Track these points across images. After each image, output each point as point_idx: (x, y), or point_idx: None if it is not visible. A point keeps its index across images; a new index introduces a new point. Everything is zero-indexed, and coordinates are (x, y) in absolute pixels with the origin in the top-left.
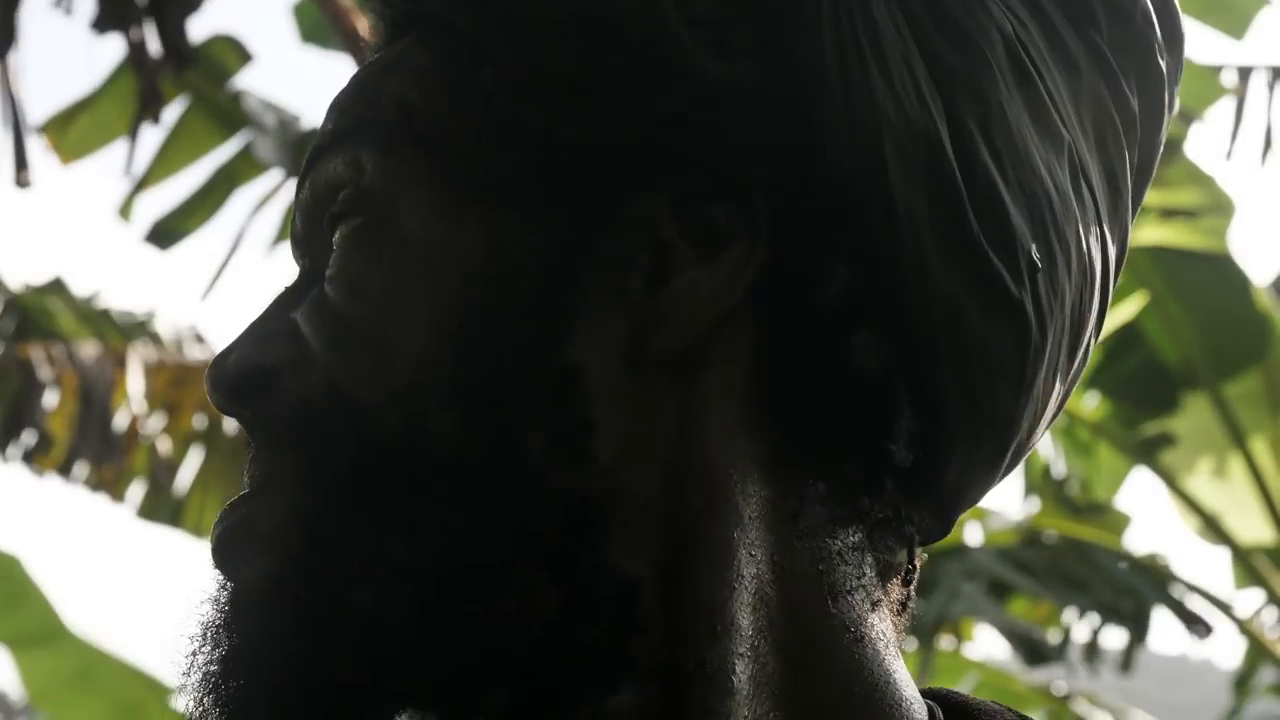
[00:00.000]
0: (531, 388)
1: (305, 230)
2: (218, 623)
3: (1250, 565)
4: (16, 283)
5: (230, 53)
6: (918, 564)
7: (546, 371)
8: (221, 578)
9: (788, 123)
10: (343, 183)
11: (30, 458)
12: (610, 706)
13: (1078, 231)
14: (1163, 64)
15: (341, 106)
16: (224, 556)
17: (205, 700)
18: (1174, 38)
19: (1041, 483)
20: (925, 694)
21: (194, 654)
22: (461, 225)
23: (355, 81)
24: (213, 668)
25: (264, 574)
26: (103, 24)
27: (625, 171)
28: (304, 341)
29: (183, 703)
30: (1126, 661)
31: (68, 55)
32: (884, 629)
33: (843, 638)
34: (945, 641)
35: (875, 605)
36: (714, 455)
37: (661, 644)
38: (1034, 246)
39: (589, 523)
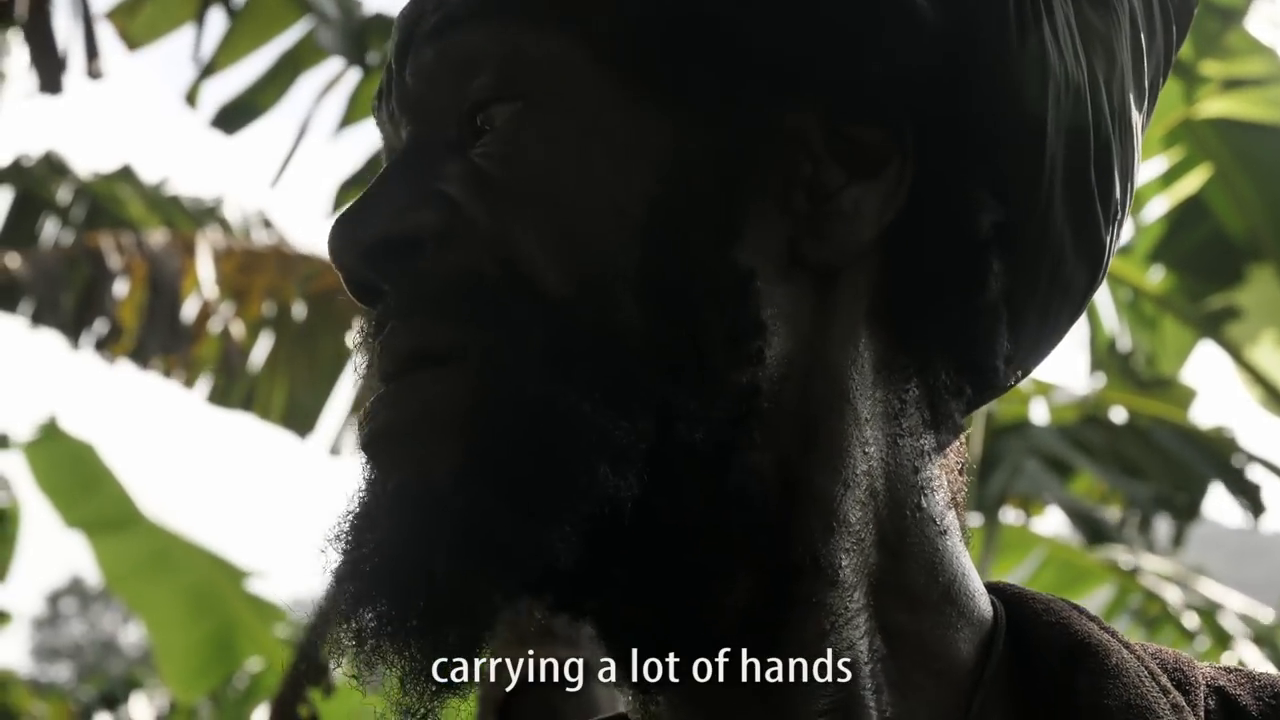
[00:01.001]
0: (713, 287)
1: (424, 96)
2: (386, 518)
3: None
4: (85, 170)
5: None
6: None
7: (725, 272)
8: (383, 468)
9: (959, 59)
10: (489, 58)
11: (102, 345)
12: (726, 597)
13: (1136, 180)
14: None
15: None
16: (393, 448)
17: (368, 591)
18: None
19: (1107, 357)
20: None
21: (351, 546)
22: (649, 118)
23: None
24: (380, 564)
25: (467, 457)
26: None
27: (789, 79)
28: (457, 214)
29: (336, 592)
30: (1177, 538)
31: None
32: (958, 523)
33: (931, 530)
34: (1012, 516)
35: (950, 502)
36: (838, 356)
37: (779, 539)
38: (1120, 195)
39: (749, 419)
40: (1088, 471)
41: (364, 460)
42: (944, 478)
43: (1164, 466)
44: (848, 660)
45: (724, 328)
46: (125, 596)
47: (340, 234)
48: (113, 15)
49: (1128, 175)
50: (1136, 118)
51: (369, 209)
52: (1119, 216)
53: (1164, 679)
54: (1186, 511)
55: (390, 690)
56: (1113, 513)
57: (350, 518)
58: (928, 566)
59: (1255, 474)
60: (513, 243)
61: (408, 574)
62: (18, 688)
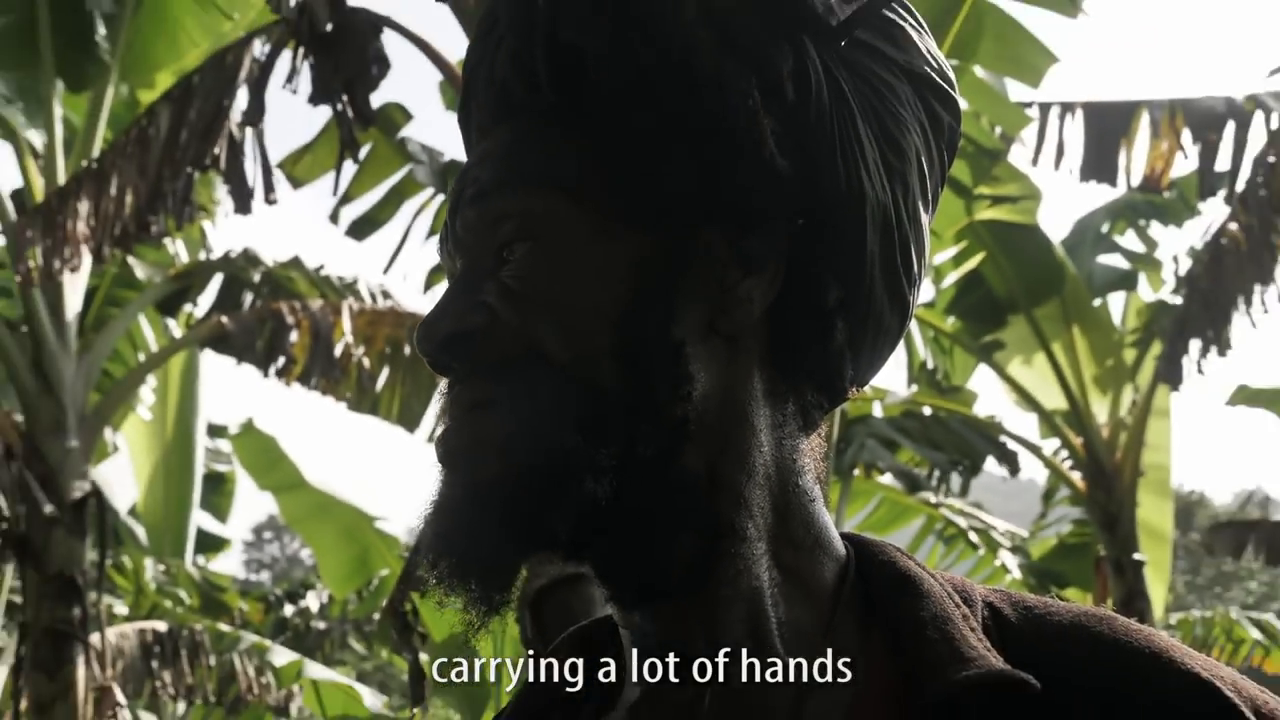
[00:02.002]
0: (660, 354)
1: (469, 240)
2: (453, 504)
3: (1051, 422)
4: (269, 260)
5: (398, 113)
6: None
7: (667, 345)
8: (451, 474)
9: (808, 194)
10: (509, 215)
11: (281, 373)
12: (675, 551)
13: (928, 259)
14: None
15: (499, 166)
16: (458, 462)
17: (443, 550)
18: (952, 107)
19: (919, 373)
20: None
21: (433, 523)
22: (613, 246)
23: (505, 144)
24: (450, 533)
25: (503, 470)
26: (316, 98)
27: (703, 215)
28: (495, 315)
29: (424, 552)
30: (964, 487)
31: (294, 116)
32: (821, 494)
33: (804, 499)
34: (859, 476)
35: (816, 479)
36: (740, 391)
37: (707, 513)
38: (917, 270)
39: (683, 437)
40: (908, 446)
41: (440, 469)
42: (812, 465)
43: (956, 442)
44: (755, 587)
45: (667, 381)
46: (300, 532)
47: (423, 333)
48: (282, 164)
49: (922, 256)
50: (924, 219)
51: (439, 316)
52: (918, 282)
53: (956, 598)
54: (970, 470)
55: (460, 609)
56: (924, 471)
57: (433, 505)
58: (804, 523)
59: (1013, 445)
60: (530, 334)
61: (466, 542)
62: (230, 592)
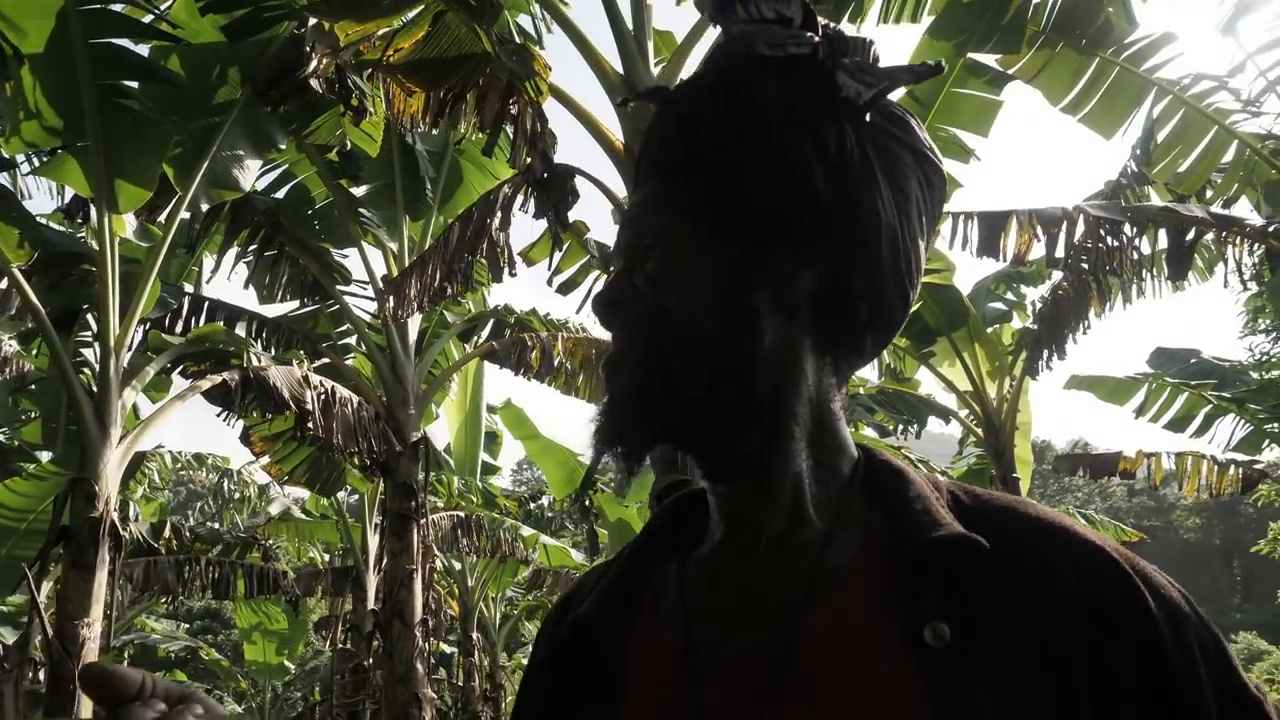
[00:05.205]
0: (741, 314)
1: (626, 247)
2: (606, 410)
3: (964, 399)
4: (519, 309)
5: (582, 224)
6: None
7: (747, 309)
8: (608, 389)
9: (842, 217)
10: (649, 230)
11: (525, 373)
12: (747, 444)
13: (922, 269)
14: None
15: (645, 202)
16: (611, 382)
17: (602, 436)
18: (940, 175)
19: (885, 370)
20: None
21: (599, 419)
22: (714, 248)
23: (649, 190)
24: (605, 426)
25: (630, 386)
26: (537, 215)
27: (773, 226)
28: (638, 291)
29: (593, 438)
30: (918, 436)
31: (527, 227)
32: (844, 418)
33: (833, 419)
34: (853, 429)
35: (842, 408)
36: (795, 344)
37: (771, 420)
38: (915, 275)
39: (754, 369)
40: (881, 411)
41: (605, 386)
42: (840, 398)
43: (909, 410)
44: (798, 471)
45: (745, 331)
46: (537, 462)
47: (597, 299)
48: (522, 252)
49: (918, 266)
50: (920, 242)
51: (604, 292)
52: (915, 284)
53: (930, 486)
54: (919, 426)
55: (612, 477)
56: (890, 426)
57: (599, 408)
58: (831, 433)
59: (941, 411)
60: (659, 301)
61: (613, 431)
62: (500, 496)
